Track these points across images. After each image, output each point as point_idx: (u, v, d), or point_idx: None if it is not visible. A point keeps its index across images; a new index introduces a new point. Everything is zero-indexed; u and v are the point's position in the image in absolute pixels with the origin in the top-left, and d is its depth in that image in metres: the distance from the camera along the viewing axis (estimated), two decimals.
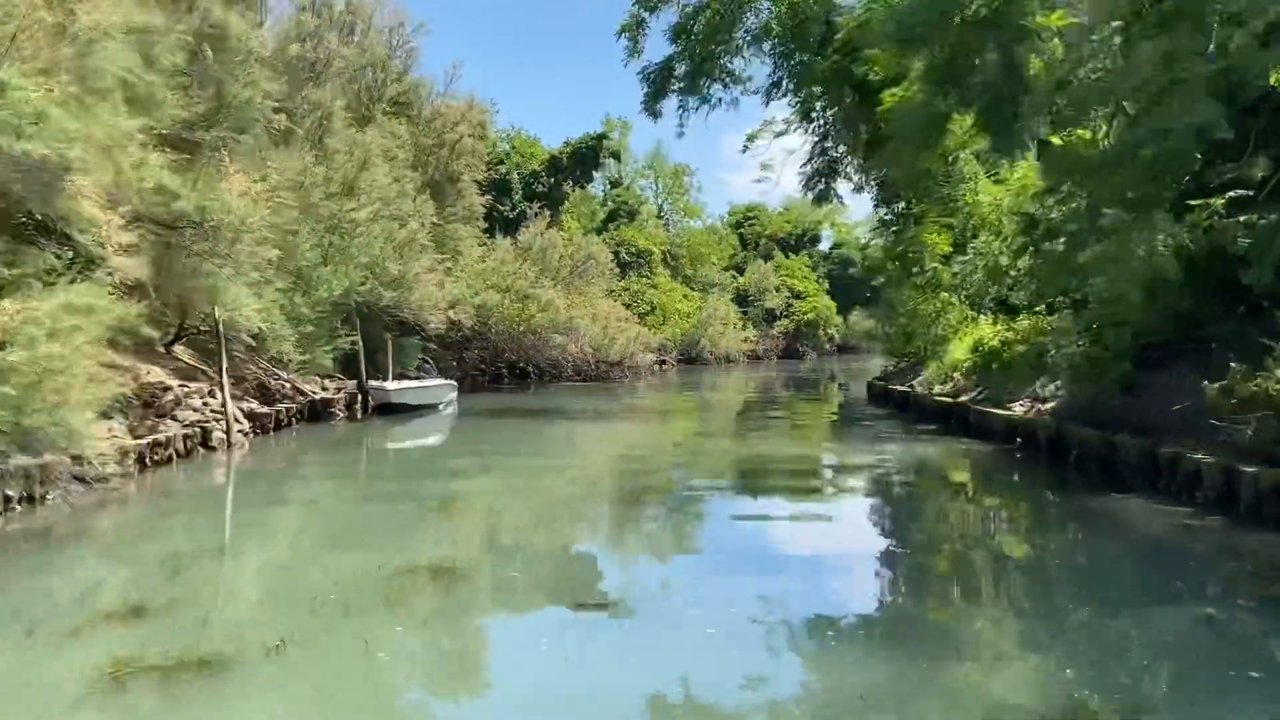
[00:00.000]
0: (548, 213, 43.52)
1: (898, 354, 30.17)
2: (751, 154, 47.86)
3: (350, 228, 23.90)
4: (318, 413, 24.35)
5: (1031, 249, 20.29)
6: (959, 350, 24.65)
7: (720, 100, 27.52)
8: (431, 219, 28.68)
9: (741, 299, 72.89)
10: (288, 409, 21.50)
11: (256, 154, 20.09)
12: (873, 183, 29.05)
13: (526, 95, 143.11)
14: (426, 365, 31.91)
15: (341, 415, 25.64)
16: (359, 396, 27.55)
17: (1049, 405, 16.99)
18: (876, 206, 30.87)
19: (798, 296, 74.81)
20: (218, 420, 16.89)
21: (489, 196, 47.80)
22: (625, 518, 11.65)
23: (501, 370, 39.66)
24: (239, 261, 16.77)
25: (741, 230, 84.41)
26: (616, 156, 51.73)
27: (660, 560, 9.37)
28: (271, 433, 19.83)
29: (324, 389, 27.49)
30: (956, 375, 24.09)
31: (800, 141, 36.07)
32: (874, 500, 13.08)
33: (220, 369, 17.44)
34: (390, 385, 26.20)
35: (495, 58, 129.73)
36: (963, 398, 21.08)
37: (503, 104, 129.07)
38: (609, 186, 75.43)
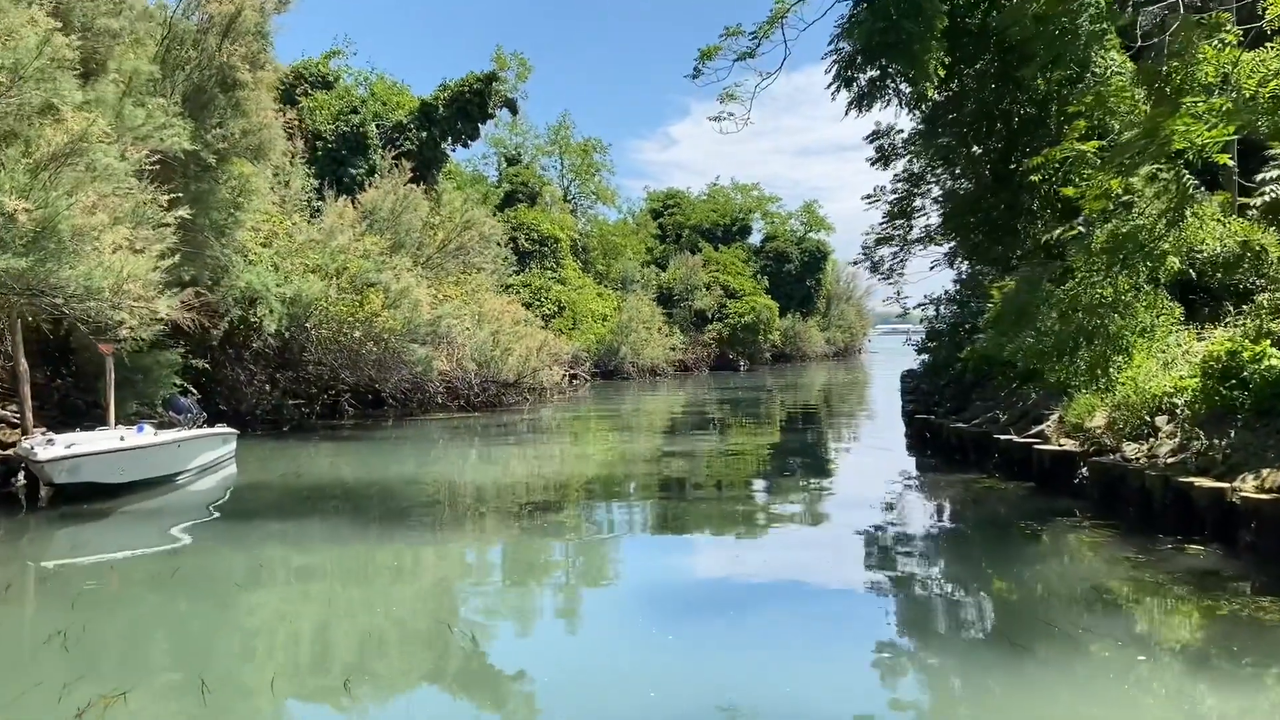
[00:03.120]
0: (407, 164, 30.59)
1: (992, 367, 18.48)
2: (703, 85, 35.89)
3: None
4: None
5: None
6: (1149, 372, 13.06)
7: None
8: (166, 133, 15.76)
9: (665, 298, 60.94)
10: None
11: None
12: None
13: (399, 43, 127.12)
14: (182, 400, 18.86)
15: None
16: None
17: None
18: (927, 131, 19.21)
19: (732, 295, 63.15)
20: None
21: (322, 146, 34.72)
22: None
23: (339, 398, 26.65)
24: None
25: (661, 220, 72.48)
26: (511, 107, 39.12)
27: None
28: None
29: None
30: (1161, 422, 12.48)
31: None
32: None
33: None
34: (53, 449, 13.21)
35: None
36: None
37: (363, 47, 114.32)
38: (504, 164, 62.68)
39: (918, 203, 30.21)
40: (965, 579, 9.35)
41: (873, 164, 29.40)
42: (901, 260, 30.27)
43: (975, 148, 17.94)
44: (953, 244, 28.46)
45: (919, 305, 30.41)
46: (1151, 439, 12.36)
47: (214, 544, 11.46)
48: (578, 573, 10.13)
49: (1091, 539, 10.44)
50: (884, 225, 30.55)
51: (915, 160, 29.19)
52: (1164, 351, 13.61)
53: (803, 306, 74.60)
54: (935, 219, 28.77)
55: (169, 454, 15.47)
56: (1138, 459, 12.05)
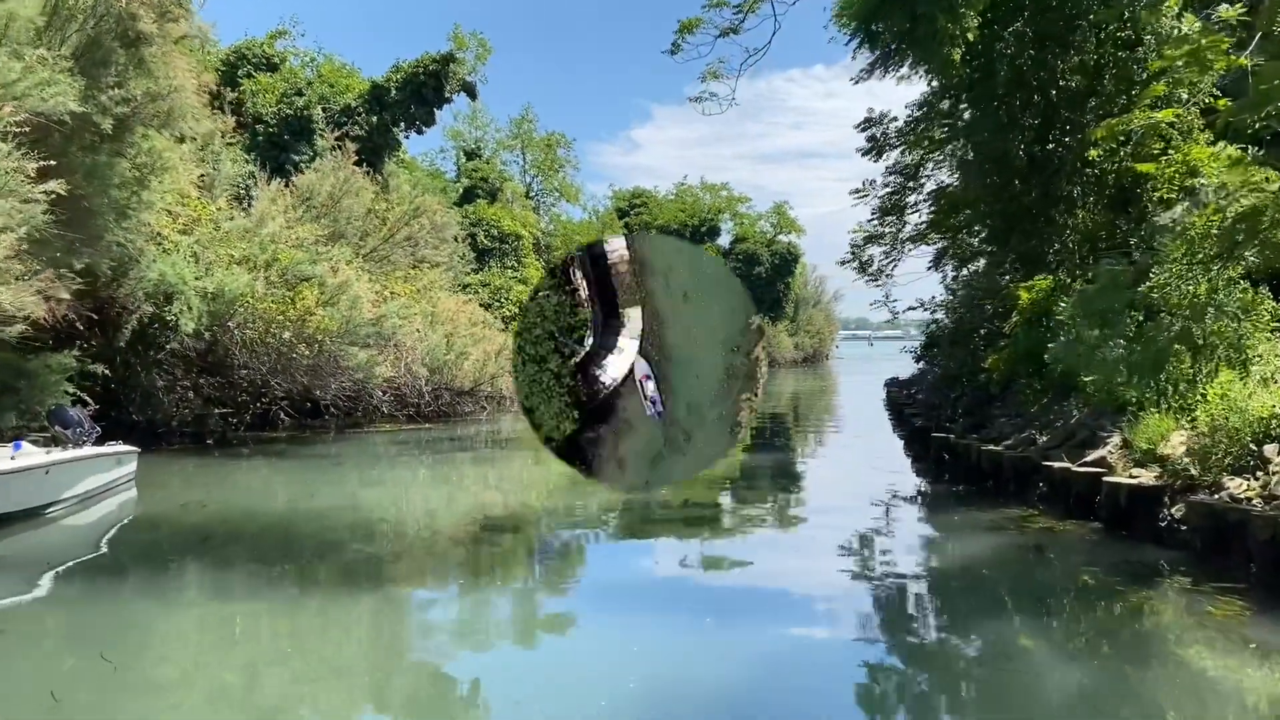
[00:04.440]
0: (351, 146, 27.67)
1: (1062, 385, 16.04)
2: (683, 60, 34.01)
3: None
4: None
5: None
6: (1245, 388, 10.71)
7: None
8: (49, 91, 12.86)
9: None
10: None
11: None
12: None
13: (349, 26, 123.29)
14: (70, 413, 15.81)
15: None
16: None
17: None
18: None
19: None
20: None
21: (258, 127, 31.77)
22: None
23: (272, 406, 23.65)
24: None
25: (627, 219, 69.86)
26: (470, 91, 36.26)
27: None
28: None
29: None
30: (1270, 452, 10.08)
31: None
32: None
33: None
34: None
35: None
36: None
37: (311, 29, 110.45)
38: (463, 159, 59.63)
39: (911, 199, 28.00)
40: (1104, 694, 6.62)
41: (864, 154, 27.11)
42: (893, 260, 28.01)
43: (1005, 119, 15.45)
44: (948, 241, 26.16)
45: (910, 308, 28.08)
46: (1261, 473, 9.97)
47: (53, 612, 8.60)
48: (541, 656, 7.46)
49: (1222, 612, 7.96)
50: (873, 222, 28.30)
51: (909, 152, 26.95)
52: (1258, 362, 11.26)
53: (772, 311, 72.53)
54: (929, 216, 26.57)
55: (33, 481, 12.48)
56: (1249, 499, 9.64)
